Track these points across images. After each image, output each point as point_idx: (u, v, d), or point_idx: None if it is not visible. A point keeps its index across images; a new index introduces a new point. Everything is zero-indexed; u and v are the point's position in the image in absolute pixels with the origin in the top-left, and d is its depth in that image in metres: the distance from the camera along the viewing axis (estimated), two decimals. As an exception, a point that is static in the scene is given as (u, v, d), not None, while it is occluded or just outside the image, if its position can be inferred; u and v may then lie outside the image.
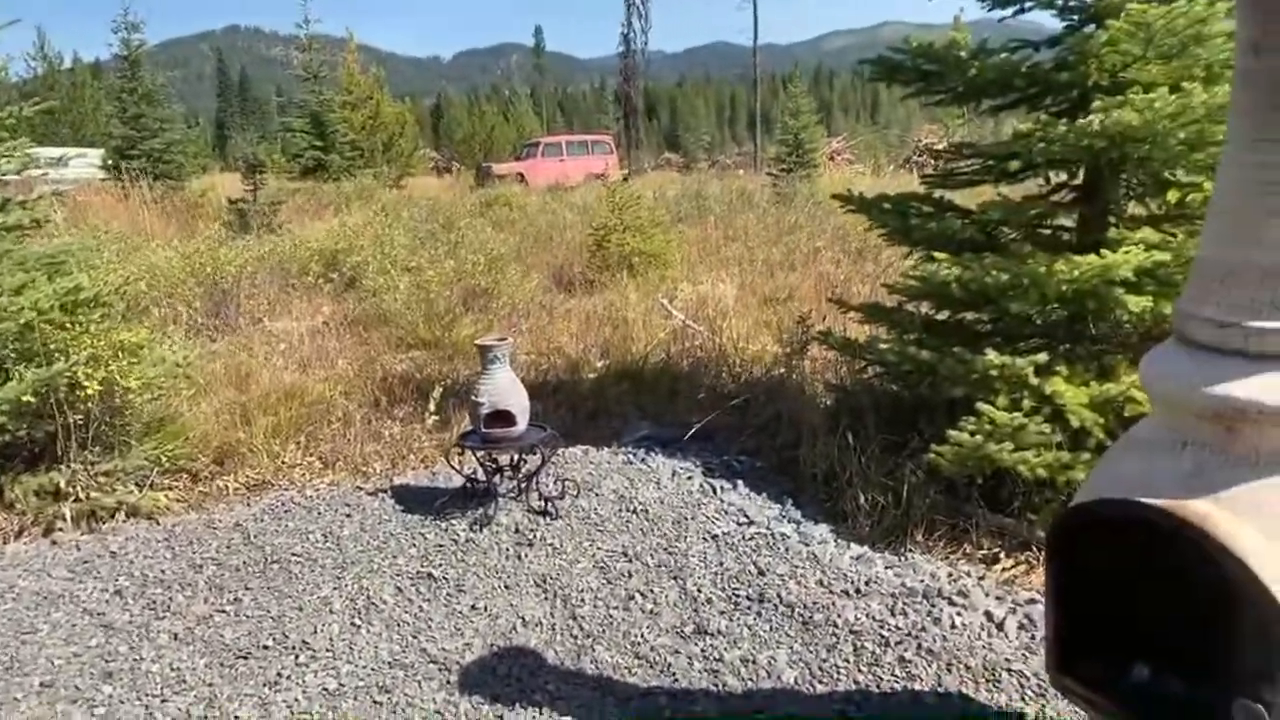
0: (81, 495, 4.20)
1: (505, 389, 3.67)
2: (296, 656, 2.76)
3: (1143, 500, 1.49)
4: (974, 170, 4.24)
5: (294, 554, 3.47)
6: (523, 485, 3.82)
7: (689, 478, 4.09)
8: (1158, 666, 1.60)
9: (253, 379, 5.94)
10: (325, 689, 2.58)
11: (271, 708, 2.50)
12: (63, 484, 4.20)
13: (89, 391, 4.18)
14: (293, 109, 24.03)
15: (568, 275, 9.60)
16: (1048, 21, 3.98)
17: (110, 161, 17.61)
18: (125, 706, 2.54)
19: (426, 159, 33.03)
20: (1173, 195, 3.74)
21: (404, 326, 7.51)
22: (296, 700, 2.53)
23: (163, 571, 3.40)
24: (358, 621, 2.95)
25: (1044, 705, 2.32)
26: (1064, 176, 3.99)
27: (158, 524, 3.96)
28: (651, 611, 2.92)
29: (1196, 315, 1.53)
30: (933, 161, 4.89)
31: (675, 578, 3.12)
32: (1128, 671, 1.62)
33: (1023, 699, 2.36)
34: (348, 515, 3.84)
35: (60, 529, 3.98)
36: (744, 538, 3.41)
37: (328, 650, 2.79)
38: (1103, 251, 3.37)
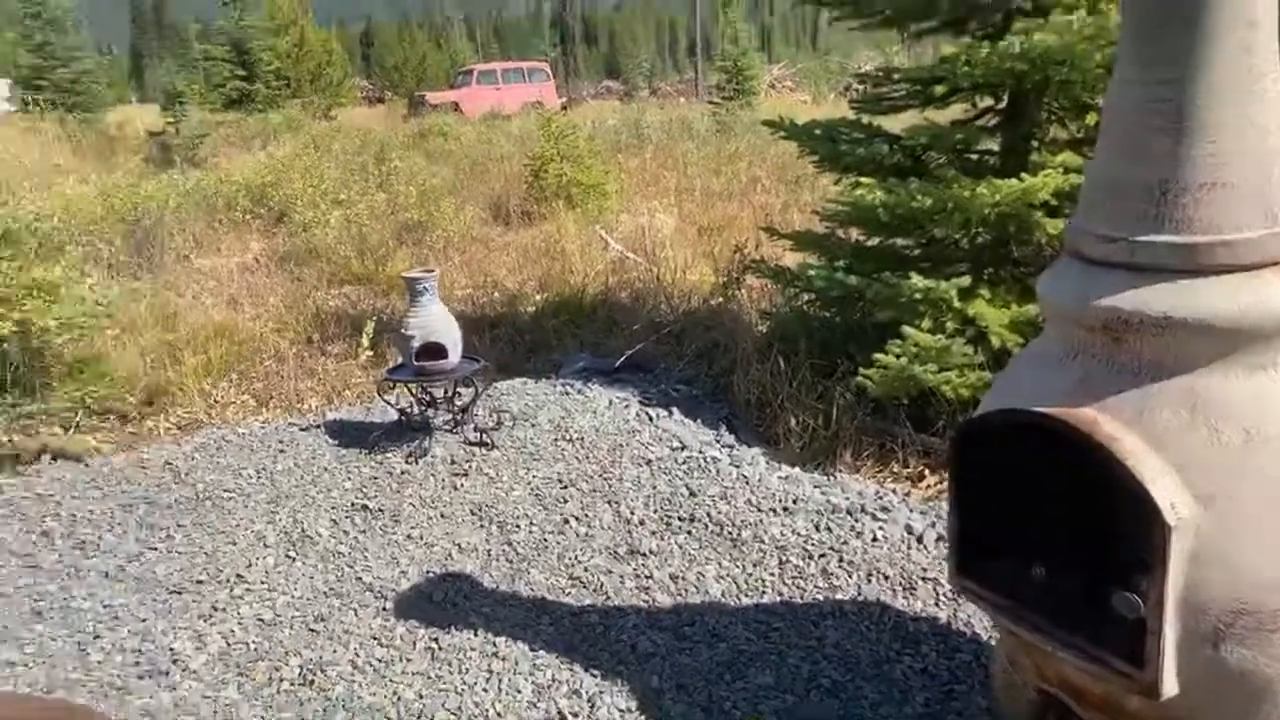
0: (3, 439, 4.09)
1: (435, 322, 3.65)
2: (231, 590, 2.77)
3: (1036, 409, 1.57)
4: (901, 95, 4.26)
5: (226, 490, 3.45)
6: (458, 417, 3.83)
7: (625, 406, 4.14)
8: (1051, 565, 1.71)
9: (180, 318, 5.81)
10: (261, 619, 2.61)
11: (206, 639, 2.52)
12: (-17, 429, 4.09)
13: (2, 333, 4.06)
14: (213, 35, 22.91)
15: (505, 207, 9.46)
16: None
17: (19, 94, 16.70)
18: (57, 643, 2.54)
19: (357, 89, 31.92)
20: (1092, 119, 3.82)
21: (336, 262, 7.37)
22: (232, 631, 2.55)
23: (91, 511, 3.36)
24: (292, 554, 2.97)
25: (956, 609, 2.45)
26: (989, 101, 4.04)
27: (86, 465, 3.89)
28: (586, 535, 2.98)
29: (1087, 230, 1.59)
30: (860, 87, 4.88)
31: (610, 502, 3.19)
32: (1023, 571, 1.72)
33: (937, 604, 2.48)
34: (281, 451, 3.81)
35: (-18, 474, 3.89)
36: (677, 462, 3.48)
37: (263, 583, 2.80)
38: (1023, 175, 3.44)
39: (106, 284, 5.41)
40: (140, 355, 5.08)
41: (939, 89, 3.89)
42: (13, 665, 2.47)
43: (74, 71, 17.43)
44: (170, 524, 3.22)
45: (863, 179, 3.77)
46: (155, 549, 3.05)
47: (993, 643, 2.26)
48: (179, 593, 2.77)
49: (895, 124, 4.33)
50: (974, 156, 4.06)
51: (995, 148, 4.03)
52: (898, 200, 3.57)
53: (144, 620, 2.63)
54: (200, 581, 2.83)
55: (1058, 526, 1.66)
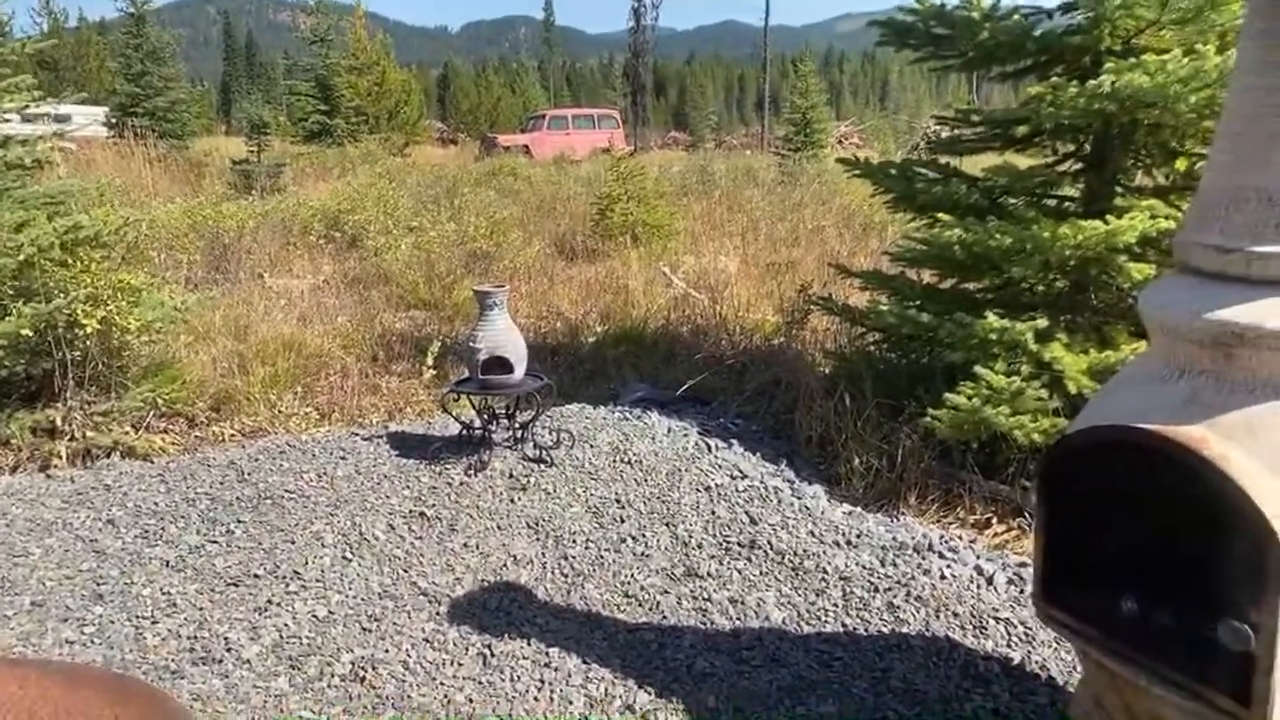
0: (77, 434, 4.20)
1: (503, 336, 3.66)
2: (287, 585, 2.77)
3: (1137, 425, 1.49)
4: (980, 137, 4.21)
5: (287, 491, 3.47)
6: (518, 434, 3.82)
7: (684, 435, 4.09)
8: (1144, 596, 1.61)
9: (251, 330, 5.94)
10: (315, 616, 2.59)
11: (261, 631, 2.51)
12: (59, 421, 4.20)
13: (88, 330, 4.17)
14: (299, 73, 23.86)
15: (570, 244, 9.57)
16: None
17: (114, 119, 17.52)
18: (115, 626, 2.56)
19: (432, 129, 32.84)
20: (1181, 164, 3.72)
21: (405, 286, 7.50)
22: (286, 625, 2.54)
23: (156, 504, 3.41)
24: (349, 555, 2.96)
25: (1030, 651, 2.33)
26: (1071, 147, 3.97)
27: (152, 463, 3.97)
28: (642, 554, 2.93)
29: (1199, 242, 1.52)
30: (940, 131, 4.85)
31: (667, 524, 3.13)
32: (1114, 602, 1.62)
33: (1009, 645, 2.37)
34: (342, 458, 3.84)
35: (55, 465, 3.99)
36: (737, 490, 3.42)
37: (318, 580, 2.80)
38: (1108, 218, 3.35)
39: (185, 293, 5.56)
40: (211, 363, 5.20)
41: (1020, 130, 3.84)
42: (71, 644, 2.49)
43: (167, 100, 18.26)
44: (231, 520, 3.24)
45: (940, 215, 3.72)
46: (216, 542, 3.07)
47: (1070, 688, 2.14)
48: (236, 585, 2.77)
49: (971, 168, 4.29)
50: (1053, 201, 3.99)
51: (1075, 194, 3.96)
52: (975, 239, 3.50)
53: (201, 609, 2.64)
54: (257, 576, 2.83)
55: (1156, 551, 1.56)
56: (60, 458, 4.04)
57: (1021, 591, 2.66)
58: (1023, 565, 2.87)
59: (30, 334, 4.05)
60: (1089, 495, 1.64)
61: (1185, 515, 1.48)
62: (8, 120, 5.02)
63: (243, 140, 16.24)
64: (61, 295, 4.19)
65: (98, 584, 2.80)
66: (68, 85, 21.68)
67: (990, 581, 2.73)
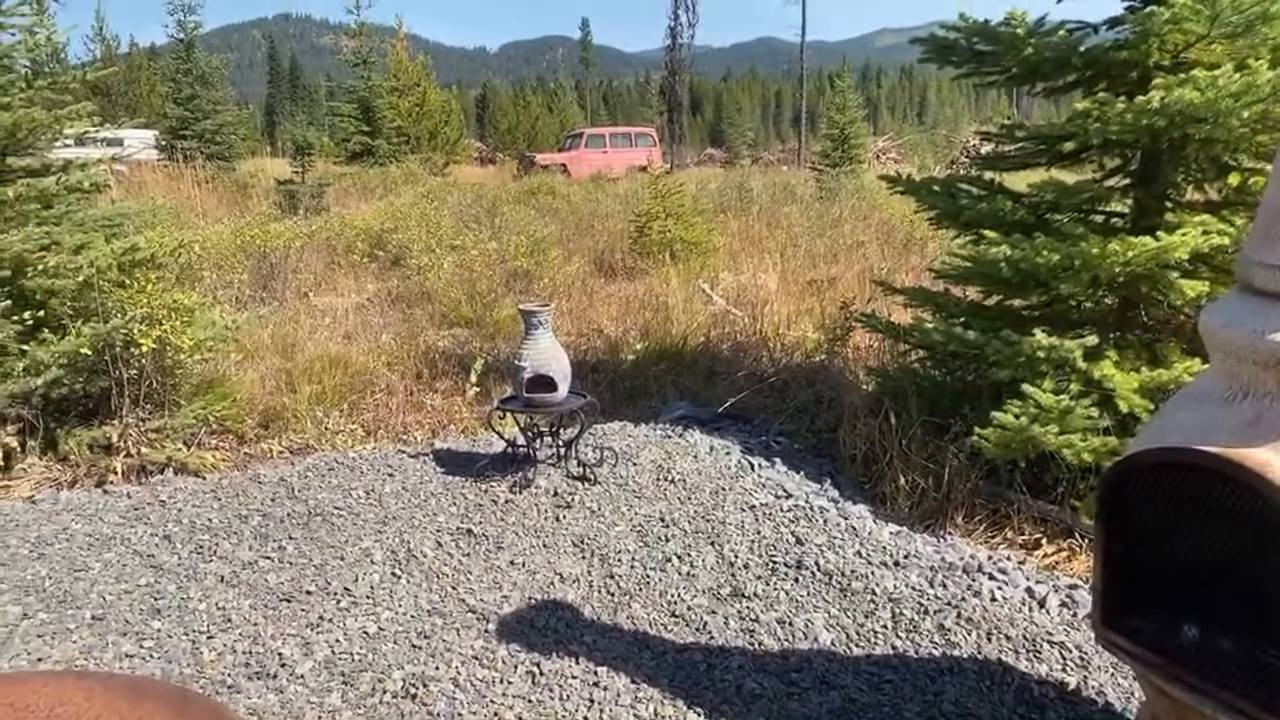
0: (132, 450, 4.30)
1: (548, 354, 3.70)
2: (338, 601, 2.81)
3: (1200, 447, 1.47)
4: (1026, 153, 4.17)
5: (336, 508, 3.53)
6: (562, 451, 3.84)
7: (727, 453, 4.09)
8: (1209, 621, 1.58)
9: (298, 348, 6.05)
10: (366, 632, 2.63)
11: (313, 647, 2.55)
12: (115, 438, 4.31)
13: (144, 348, 4.28)
14: (341, 95, 24.30)
15: (609, 261, 9.62)
16: (1104, 7, 3.92)
17: (164, 141, 18.00)
18: (173, 640, 2.61)
19: (471, 149, 33.21)
20: (1234, 179, 3.66)
21: (447, 304, 7.60)
22: (338, 641, 2.58)
23: (210, 520, 3.48)
24: (398, 572, 3.00)
25: (1086, 676, 2.29)
26: (1118, 161, 3.92)
27: (204, 479, 4.05)
28: (688, 574, 2.93)
29: (1261, 262, 1.50)
30: (983, 146, 4.81)
31: (712, 543, 3.13)
32: (1177, 626, 1.59)
33: (1064, 669, 2.33)
34: (389, 475, 3.89)
35: (112, 481, 4.09)
36: (782, 509, 3.41)
37: (368, 597, 2.84)
38: (1158, 234, 3.31)
39: (234, 312, 5.69)
40: (259, 380, 5.30)
41: (1067, 146, 3.80)
42: (131, 658, 2.54)
43: (215, 123, 18.72)
44: (283, 536, 3.30)
45: (985, 232, 3.69)
46: (268, 558, 3.13)
47: (1129, 715, 2.10)
48: (289, 600, 2.82)
49: (1016, 183, 4.25)
50: (1101, 218, 3.94)
51: (1124, 210, 3.90)
52: (1023, 255, 3.47)
53: (255, 624, 2.69)
54: (309, 592, 2.88)
55: (1221, 575, 1.53)
56: (116, 473, 4.15)
57: (1075, 614, 2.62)
58: (1074, 587, 2.83)
59: (89, 353, 4.17)
60: (1150, 517, 1.62)
61: (1250, 539, 1.45)
62: (67, 145, 5.18)
63: (287, 161, 16.60)
64: (119, 315, 4.31)
65: (155, 598, 2.86)
66: (120, 110, 22.33)
67: (1042, 604, 2.69)
